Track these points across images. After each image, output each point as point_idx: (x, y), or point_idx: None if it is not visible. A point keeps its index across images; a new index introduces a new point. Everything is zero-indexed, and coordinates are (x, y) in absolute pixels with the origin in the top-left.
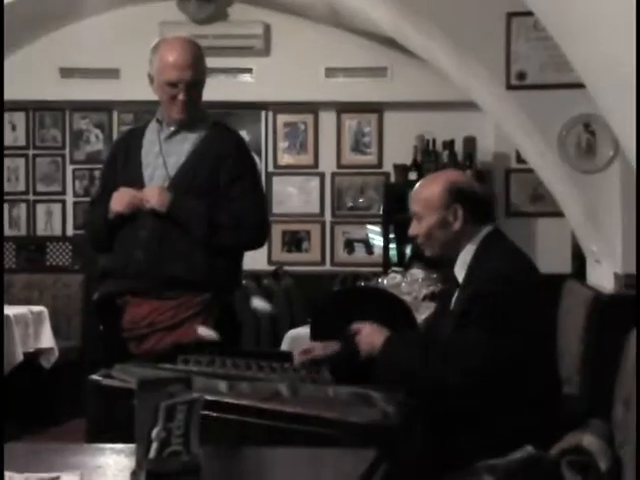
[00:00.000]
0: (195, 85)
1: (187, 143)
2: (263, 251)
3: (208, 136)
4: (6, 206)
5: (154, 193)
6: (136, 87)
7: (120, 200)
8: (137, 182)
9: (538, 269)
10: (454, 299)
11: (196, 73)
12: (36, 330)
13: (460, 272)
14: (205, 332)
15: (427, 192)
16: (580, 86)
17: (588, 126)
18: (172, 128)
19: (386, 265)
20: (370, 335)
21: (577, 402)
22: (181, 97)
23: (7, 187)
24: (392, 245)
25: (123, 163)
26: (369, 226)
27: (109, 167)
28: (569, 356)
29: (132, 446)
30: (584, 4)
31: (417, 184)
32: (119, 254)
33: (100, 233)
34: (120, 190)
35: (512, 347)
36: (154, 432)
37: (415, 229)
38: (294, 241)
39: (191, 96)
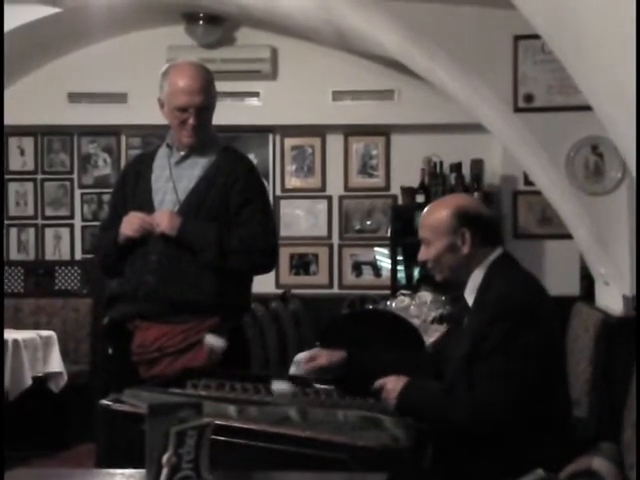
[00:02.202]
0: (205, 110)
1: (197, 168)
2: (271, 274)
3: (218, 161)
4: (15, 230)
5: (164, 217)
6: (144, 111)
7: (130, 224)
8: (147, 206)
9: (547, 292)
10: (465, 323)
11: (206, 98)
12: (45, 354)
13: (470, 296)
14: (213, 340)
15: (435, 217)
16: (587, 108)
17: (596, 148)
18: (182, 153)
19: (394, 288)
20: (391, 391)
21: (586, 425)
22: (191, 122)
23: (16, 211)
24: (400, 267)
25: (133, 187)
26: (377, 249)
27: (119, 192)
28: (578, 379)
29: (142, 471)
30: (591, 27)
31: (425, 209)
32: (129, 278)
33: (110, 257)
34: (130, 214)
35: (526, 374)
36: (164, 457)
37: (424, 254)
38: (302, 264)
39: (201, 121)
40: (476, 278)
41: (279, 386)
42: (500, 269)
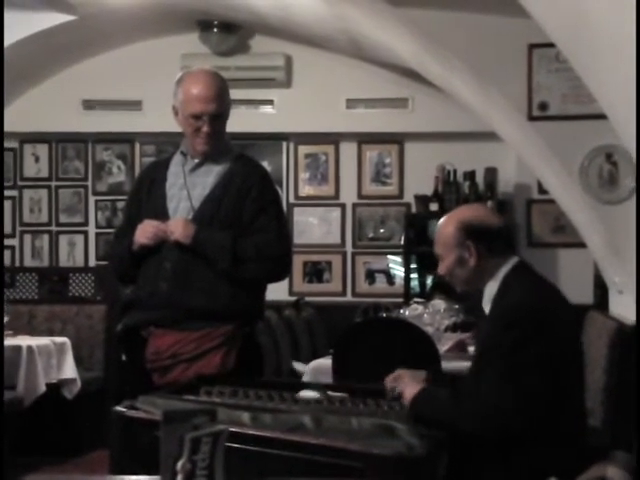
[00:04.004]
0: (219, 117)
1: (211, 175)
2: (284, 282)
3: (232, 168)
4: (29, 237)
5: (178, 225)
6: (158, 118)
7: (145, 232)
8: (162, 214)
9: (566, 300)
10: (480, 333)
11: (220, 106)
12: (59, 361)
13: (487, 306)
14: None
15: (442, 233)
16: (602, 117)
17: (610, 157)
18: (196, 160)
19: (407, 296)
20: (406, 396)
21: (601, 433)
22: (205, 129)
23: (30, 218)
24: (413, 275)
25: (147, 195)
26: (390, 257)
27: (133, 199)
28: (592, 387)
29: (156, 478)
30: (605, 36)
31: (437, 224)
32: (143, 285)
33: (125, 265)
34: (145, 222)
35: (535, 382)
36: (179, 464)
37: (440, 269)
38: (315, 272)
39: (215, 128)
40: (491, 288)
41: (306, 394)
42: (515, 278)
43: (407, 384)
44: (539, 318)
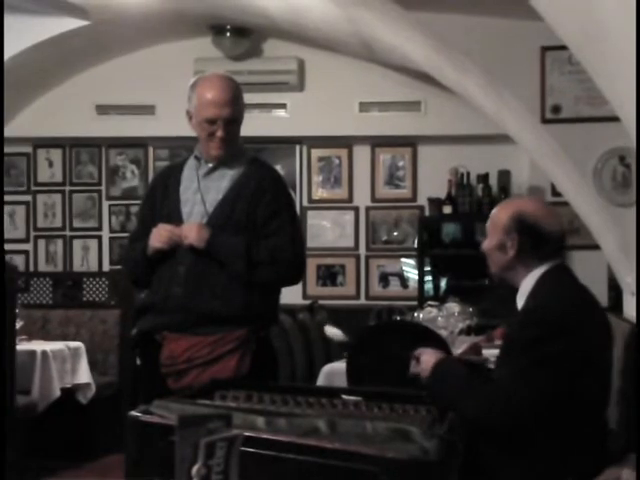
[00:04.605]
0: (233, 122)
1: (225, 180)
2: (298, 285)
3: (246, 173)
4: (43, 242)
5: (192, 229)
6: (171, 123)
7: (159, 236)
8: (176, 218)
9: (598, 307)
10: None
11: (234, 110)
12: (73, 366)
13: (520, 300)
14: None
15: (498, 213)
16: (615, 119)
17: (623, 159)
18: (210, 165)
19: (421, 299)
20: (426, 361)
21: (616, 436)
22: (219, 134)
23: (44, 223)
24: (427, 278)
25: (162, 199)
26: (404, 260)
27: (147, 204)
28: None
29: None
30: (618, 38)
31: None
32: (158, 290)
33: (139, 269)
34: (159, 226)
35: (552, 383)
36: (194, 469)
37: (484, 244)
38: (329, 275)
39: (229, 133)
40: (527, 284)
41: (331, 330)
42: (550, 279)
43: (429, 353)
44: (562, 321)
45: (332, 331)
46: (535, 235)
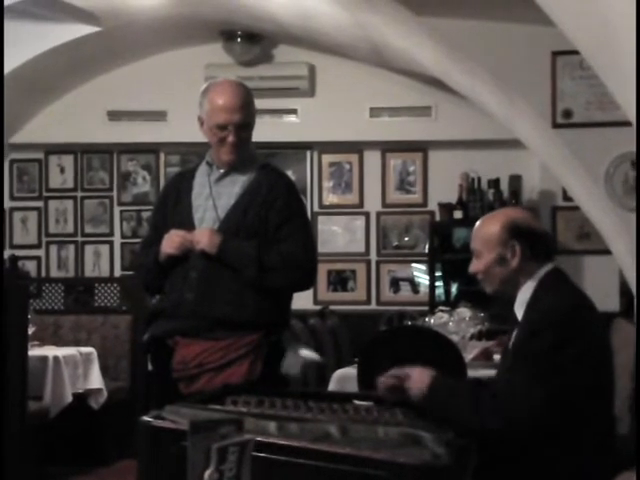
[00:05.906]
0: (245, 127)
1: (237, 185)
2: (309, 291)
3: (257, 178)
4: (55, 248)
5: (204, 235)
6: (183, 129)
7: (171, 242)
8: (188, 224)
9: (596, 308)
10: (512, 337)
11: (246, 115)
12: (85, 371)
13: (519, 310)
14: None
15: (486, 230)
16: (626, 124)
17: (635, 164)
18: (222, 170)
19: (432, 304)
20: (418, 381)
21: (628, 441)
22: (231, 139)
23: (56, 229)
24: (438, 283)
25: (174, 205)
26: (415, 265)
27: (160, 209)
28: (619, 395)
29: None
30: (629, 42)
31: (477, 222)
32: (170, 295)
33: (151, 275)
34: (171, 232)
35: (570, 386)
36: (206, 474)
37: (474, 266)
38: (339, 280)
39: (241, 138)
40: (526, 292)
41: (306, 353)
42: (550, 283)
43: (419, 372)
44: (573, 323)
45: (305, 353)
46: (532, 238)
